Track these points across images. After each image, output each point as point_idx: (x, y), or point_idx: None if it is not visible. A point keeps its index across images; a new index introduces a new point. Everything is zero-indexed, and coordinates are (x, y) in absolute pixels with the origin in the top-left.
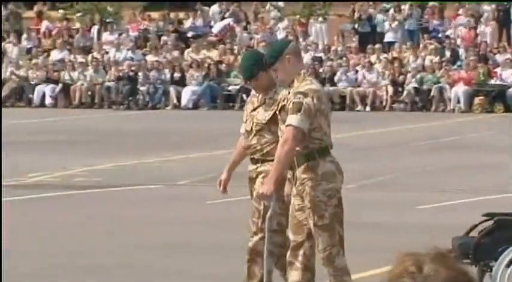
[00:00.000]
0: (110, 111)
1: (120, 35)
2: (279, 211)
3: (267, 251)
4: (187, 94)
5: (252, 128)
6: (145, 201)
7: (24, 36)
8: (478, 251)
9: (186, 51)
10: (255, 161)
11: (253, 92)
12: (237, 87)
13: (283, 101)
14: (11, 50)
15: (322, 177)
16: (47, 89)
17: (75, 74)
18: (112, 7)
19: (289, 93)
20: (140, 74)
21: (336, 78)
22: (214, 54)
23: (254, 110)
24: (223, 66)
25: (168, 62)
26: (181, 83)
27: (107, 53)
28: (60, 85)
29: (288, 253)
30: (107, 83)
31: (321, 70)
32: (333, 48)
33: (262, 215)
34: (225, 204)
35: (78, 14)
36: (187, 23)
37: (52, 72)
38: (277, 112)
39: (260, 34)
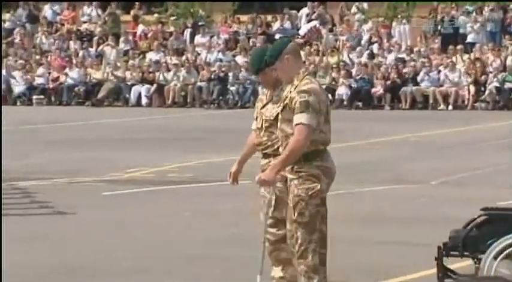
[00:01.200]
0: (201, 110)
1: (211, 37)
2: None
3: (264, 237)
4: None
5: (262, 125)
6: (234, 196)
7: (122, 39)
8: (466, 243)
9: None
10: (267, 156)
11: (264, 90)
12: (323, 86)
13: (286, 99)
14: (110, 52)
15: (307, 178)
16: (143, 89)
17: (169, 75)
18: (204, 11)
19: (289, 91)
20: (230, 74)
21: (418, 78)
22: None
23: (263, 107)
24: (309, 67)
25: None
26: None
27: (199, 54)
28: (155, 85)
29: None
30: (199, 83)
31: (404, 70)
32: (415, 49)
33: (274, 204)
34: None
35: (172, 18)
36: (275, 26)
37: (147, 73)
38: (278, 110)
39: (345, 36)
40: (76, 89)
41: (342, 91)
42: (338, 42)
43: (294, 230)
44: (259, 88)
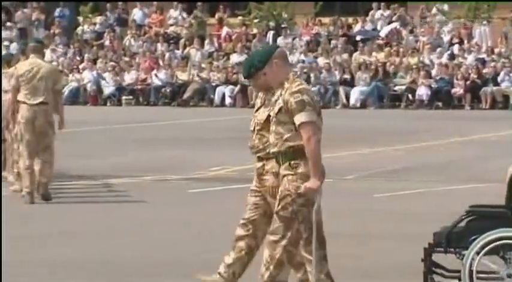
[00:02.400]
0: None
1: (293, 39)
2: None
3: (315, 243)
4: (355, 94)
5: (254, 128)
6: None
7: (207, 41)
8: (450, 240)
9: (355, 54)
10: (260, 159)
11: (260, 94)
12: (403, 87)
13: (278, 102)
14: (195, 54)
15: (300, 176)
16: (227, 89)
17: None
18: (286, 13)
19: (280, 94)
20: (312, 75)
21: (499, 79)
22: (381, 56)
23: (257, 110)
24: (390, 68)
25: (337, 64)
26: (350, 83)
27: None
28: (238, 86)
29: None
30: None
31: (484, 71)
32: (496, 50)
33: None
34: (391, 197)
35: (256, 20)
36: (357, 27)
37: (231, 75)
38: (272, 113)
39: (426, 37)
40: (163, 89)
41: (422, 91)
42: (418, 43)
43: (273, 220)
44: (340, 89)
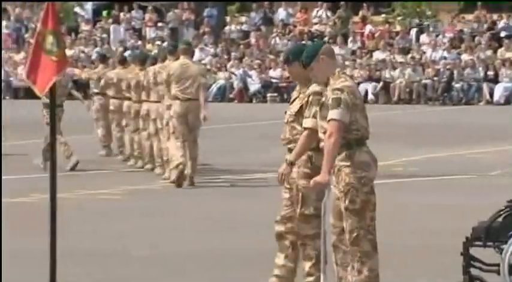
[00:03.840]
0: (426, 106)
1: (436, 36)
2: (315, 197)
3: (323, 233)
4: (499, 90)
5: (287, 120)
6: (460, 190)
7: (350, 38)
8: (488, 234)
9: (499, 50)
10: (291, 151)
11: (297, 87)
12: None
13: (309, 96)
14: (338, 51)
15: (358, 165)
16: (370, 86)
17: (395, 73)
18: (430, 11)
19: (326, 90)
20: (455, 72)
21: None
22: None
23: (292, 102)
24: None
25: (481, 61)
26: (494, 80)
27: (424, 53)
28: (381, 83)
29: (334, 238)
30: (424, 81)
31: None
32: None
33: (301, 201)
34: None
35: (399, 18)
36: (501, 24)
37: (374, 71)
38: (303, 106)
39: None
40: None
41: None
42: None
43: (345, 217)
44: (484, 85)
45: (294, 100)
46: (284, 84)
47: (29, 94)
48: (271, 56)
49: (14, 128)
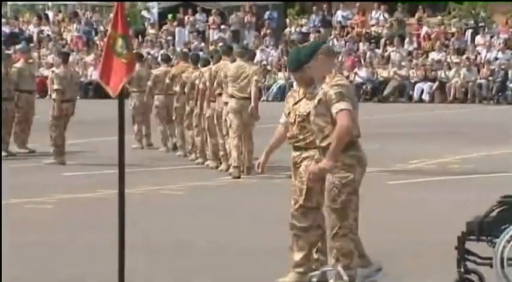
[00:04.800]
0: (481, 105)
1: (491, 37)
2: (319, 191)
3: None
4: None
5: (295, 120)
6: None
7: (406, 40)
8: (482, 228)
9: None
10: (298, 149)
11: (295, 87)
12: None
13: (319, 95)
14: (395, 52)
15: (342, 167)
16: (425, 86)
17: (450, 73)
18: (485, 12)
19: (321, 88)
20: (509, 72)
21: None
22: None
23: (296, 103)
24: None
25: None
26: None
27: (479, 53)
28: (437, 83)
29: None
30: (479, 81)
31: None
32: None
33: (305, 193)
34: None
35: (454, 20)
36: None
37: (430, 72)
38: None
39: None
40: (364, 86)
41: None
42: None
43: (327, 215)
44: None
45: (299, 101)
46: None
47: (98, 93)
48: None
49: (84, 126)
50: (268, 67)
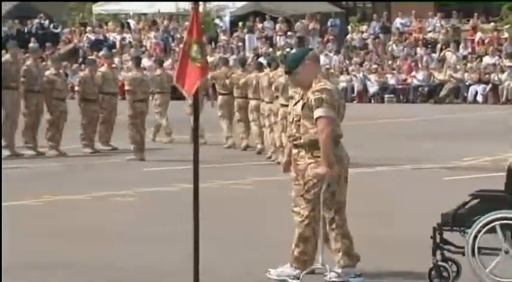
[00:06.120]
0: None
1: None
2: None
3: (322, 217)
4: None
5: (293, 119)
6: None
7: (461, 45)
8: (455, 219)
9: None
10: (296, 147)
11: (298, 88)
12: None
13: (305, 99)
14: (450, 56)
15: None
16: (479, 88)
17: (503, 76)
18: None
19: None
20: None
21: None
22: None
23: (295, 104)
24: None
25: None
26: None
27: None
28: (490, 85)
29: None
30: None
31: None
32: None
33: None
34: None
35: (507, 26)
36: None
37: (483, 75)
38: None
39: None
40: (420, 88)
41: None
42: None
43: (300, 202)
44: None
45: (298, 102)
46: (400, 87)
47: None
48: (389, 62)
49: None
50: (331, 70)
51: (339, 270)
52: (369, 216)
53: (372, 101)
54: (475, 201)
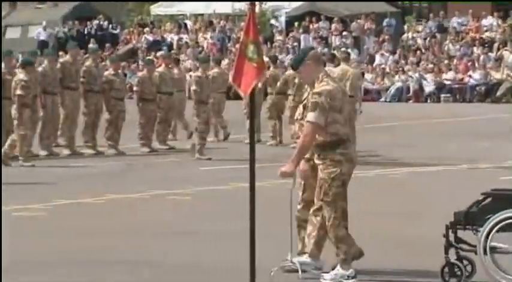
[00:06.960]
0: None
1: None
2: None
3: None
4: None
5: (297, 118)
6: None
7: None
8: (467, 218)
9: None
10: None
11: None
12: None
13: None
14: (508, 56)
15: (330, 163)
16: None
17: None
18: None
19: (308, 94)
20: None
21: None
22: None
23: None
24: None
25: None
26: None
27: None
28: None
29: (311, 210)
30: None
31: None
32: None
33: (302, 189)
34: None
35: None
36: None
37: None
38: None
39: None
40: (477, 88)
41: None
42: None
43: (321, 208)
44: None
45: (304, 99)
46: (457, 86)
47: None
48: (446, 61)
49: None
50: (387, 70)
51: (308, 260)
52: (420, 218)
53: (428, 101)
54: (488, 199)
